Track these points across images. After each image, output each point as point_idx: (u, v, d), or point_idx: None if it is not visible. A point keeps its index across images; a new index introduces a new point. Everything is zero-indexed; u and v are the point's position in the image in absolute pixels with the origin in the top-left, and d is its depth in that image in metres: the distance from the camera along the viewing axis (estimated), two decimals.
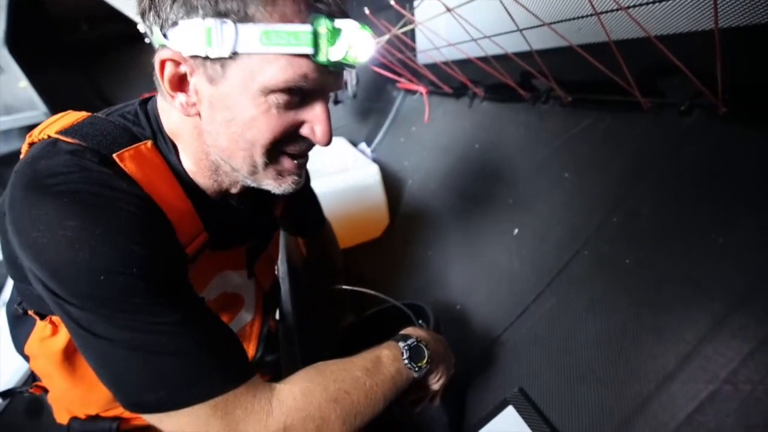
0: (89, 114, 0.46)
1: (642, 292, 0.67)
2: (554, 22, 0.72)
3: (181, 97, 0.42)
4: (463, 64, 1.23)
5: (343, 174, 1.41)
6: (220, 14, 0.37)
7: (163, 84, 0.42)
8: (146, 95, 0.52)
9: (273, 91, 0.40)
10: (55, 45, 2.71)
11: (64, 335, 0.49)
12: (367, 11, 1.07)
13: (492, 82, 1.25)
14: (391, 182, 1.57)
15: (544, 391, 0.70)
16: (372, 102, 2.00)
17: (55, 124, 0.43)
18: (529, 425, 0.67)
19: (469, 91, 1.37)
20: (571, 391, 0.67)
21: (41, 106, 2.15)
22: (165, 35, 0.40)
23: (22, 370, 1.05)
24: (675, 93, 0.77)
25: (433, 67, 1.42)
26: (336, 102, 1.72)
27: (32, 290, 0.44)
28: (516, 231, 0.97)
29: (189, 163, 0.48)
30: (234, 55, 0.38)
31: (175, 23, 0.39)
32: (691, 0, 0.60)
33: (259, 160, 0.44)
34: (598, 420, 0.62)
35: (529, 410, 0.69)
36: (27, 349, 0.53)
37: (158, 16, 0.40)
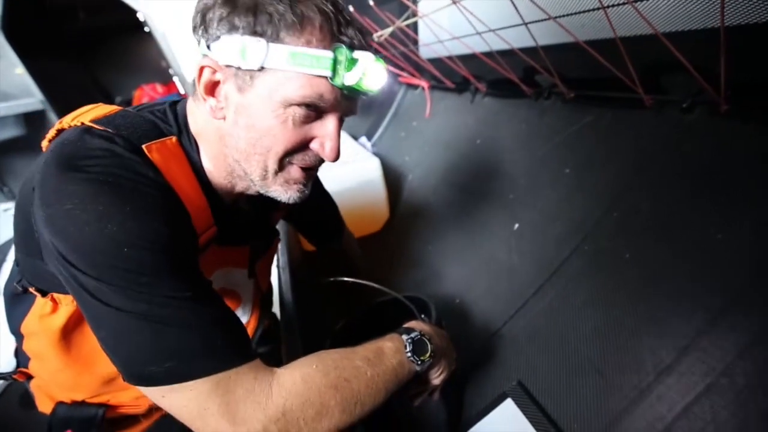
0: (120, 107, 0.50)
1: (641, 287, 0.67)
2: (560, 16, 0.72)
3: (212, 101, 0.47)
4: (466, 59, 1.23)
5: (344, 167, 1.41)
6: (256, 33, 0.42)
7: (198, 87, 0.47)
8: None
9: (292, 104, 0.45)
10: (52, 33, 2.68)
11: (64, 313, 0.50)
12: (371, 2, 1.06)
13: (494, 77, 1.25)
14: (391, 177, 1.57)
15: (543, 383, 0.71)
16: (373, 96, 1.99)
17: (88, 114, 0.47)
18: (527, 418, 0.68)
19: (471, 87, 1.37)
20: (570, 383, 0.68)
21: (38, 94, 2.13)
22: (208, 47, 0.45)
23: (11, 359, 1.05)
24: (677, 90, 0.77)
25: (435, 61, 1.42)
26: None
27: (40, 265, 0.46)
28: (516, 226, 0.97)
29: (208, 162, 0.52)
30: (262, 68, 0.43)
31: (217, 38, 0.44)
32: (698, 2, 0.60)
33: (271, 166, 0.49)
34: (596, 412, 0.63)
35: (528, 403, 0.70)
36: (24, 328, 0.54)
37: (206, 32, 0.45)
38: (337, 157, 0.50)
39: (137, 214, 0.40)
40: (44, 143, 0.47)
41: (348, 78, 0.44)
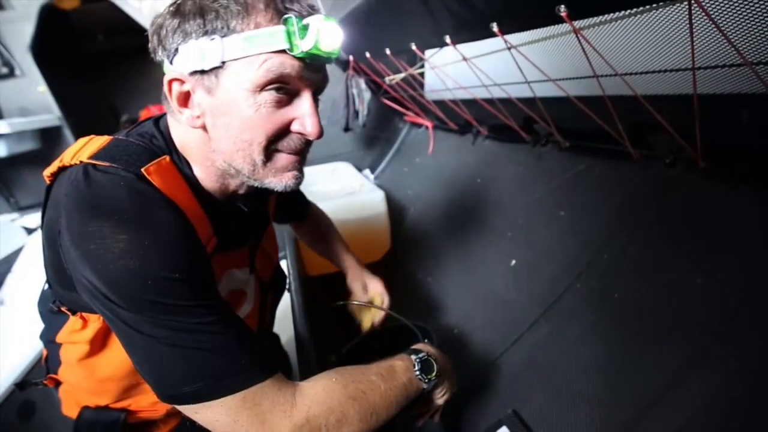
0: (111, 137, 0.52)
1: (628, 325, 0.72)
2: (559, 79, 0.82)
3: (187, 112, 0.49)
4: (469, 103, 1.32)
5: (350, 198, 1.48)
6: (208, 33, 0.44)
7: (171, 102, 0.49)
8: (151, 107, 0.58)
9: (260, 88, 0.46)
10: (75, 54, 2.80)
11: (92, 328, 0.54)
12: (388, 51, 1.16)
13: (495, 122, 1.34)
14: (393, 209, 1.64)
15: (537, 413, 0.75)
16: (378, 131, 2.09)
17: (84, 150, 0.49)
18: None
19: (473, 129, 1.46)
20: (562, 413, 0.71)
21: (56, 110, 2.21)
22: (171, 62, 0.47)
23: (19, 366, 1.06)
24: (661, 147, 0.85)
25: (439, 103, 1.52)
26: (346, 129, 1.81)
27: (74, 296, 0.49)
28: (513, 262, 1.03)
29: (198, 170, 0.54)
30: (223, 63, 0.45)
31: (176, 50, 0.46)
32: (674, 75, 0.70)
33: (258, 158, 0.49)
34: None
35: (522, 431, 0.73)
36: (58, 338, 0.58)
37: (165, 49, 0.48)
38: (320, 133, 0.50)
39: (157, 246, 0.43)
40: (46, 174, 0.50)
41: (304, 44, 0.44)
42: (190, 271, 0.44)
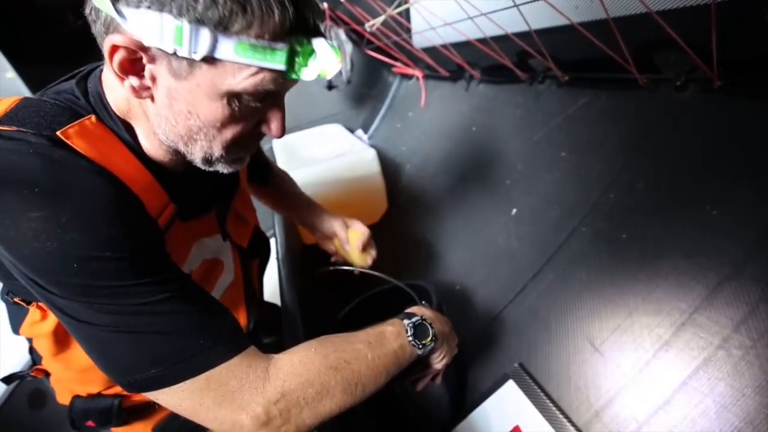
0: (20, 97, 0.43)
1: (637, 266, 0.68)
2: None
3: (132, 80, 0.40)
4: (460, 46, 1.22)
5: (341, 159, 1.41)
6: (199, 22, 0.35)
7: (111, 66, 0.39)
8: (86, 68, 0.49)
9: (240, 95, 0.40)
10: (43, 36, 2.66)
11: (52, 319, 0.49)
12: None
13: (488, 63, 1.24)
14: (388, 167, 1.57)
15: (544, 364, 0.72)
16: (367, 88, 1.98)
17: None
18: (529, 398, 0.69)
19: (465, 74, 1.36)
20: (570, 363, 0.68)
21: None
22: (120, 12, 0.36)
23: (24, 357, 1.06)
24: (670, 68, 0.77)
25: (429, 50, 1.41)
26: (330, 87, 1.70)
27: (16, 282, 0.43)
28: (514, 211, 0.98)
29: (143, 140, 0.46)
30: (205, 59, 0.37)
31: (137, 5, 0.35)
32: None
33: (217, 152, 0.45)
34: (596, 390, 0.63)
35: (529, 384, 0.71)
36: (22, 332, 0.54)
37: None
38: (283, 134, 0.47)
39: (76, 223, 0.36)
40: None
41: (306, 73, 0.39)
42: (125, 246, 0.38)
